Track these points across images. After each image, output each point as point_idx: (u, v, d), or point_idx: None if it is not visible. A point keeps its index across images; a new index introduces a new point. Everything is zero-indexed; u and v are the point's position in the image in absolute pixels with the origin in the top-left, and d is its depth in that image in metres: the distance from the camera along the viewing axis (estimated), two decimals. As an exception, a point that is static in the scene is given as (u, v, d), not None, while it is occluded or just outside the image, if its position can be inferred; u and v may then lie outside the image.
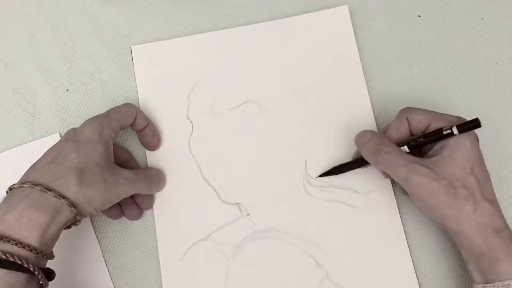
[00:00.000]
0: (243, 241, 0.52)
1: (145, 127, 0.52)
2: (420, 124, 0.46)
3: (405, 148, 0.47)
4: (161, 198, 0.53)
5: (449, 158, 0.44)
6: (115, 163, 0.48)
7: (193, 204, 0.53)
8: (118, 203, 0.50)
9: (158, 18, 0.59)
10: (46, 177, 0.43)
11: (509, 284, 0.40)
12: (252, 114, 0.55)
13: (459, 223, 0.43)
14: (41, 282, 0.41)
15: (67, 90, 0.57)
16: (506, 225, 0.43)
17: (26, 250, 0.39)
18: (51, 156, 0.45)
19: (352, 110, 0.55)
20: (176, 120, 0.55)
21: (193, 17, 0.58)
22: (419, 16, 0.58)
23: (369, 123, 0.54)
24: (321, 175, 0.53)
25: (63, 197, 0.42)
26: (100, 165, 0.45)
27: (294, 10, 0.58)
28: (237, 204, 0.53)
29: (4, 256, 0.38)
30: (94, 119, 0.48)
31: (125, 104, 0.51)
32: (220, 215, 0.52)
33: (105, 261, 0.51)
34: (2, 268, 0.38)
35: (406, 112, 0.47)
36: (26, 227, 0.40)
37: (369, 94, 0.55)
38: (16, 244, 0.39)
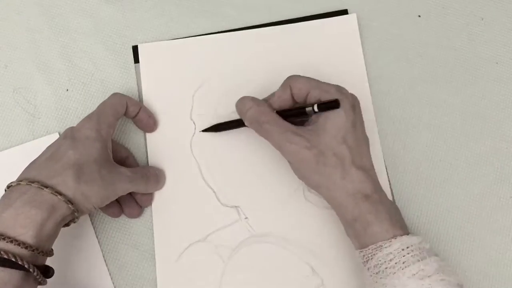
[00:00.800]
0: (240, 244, 0.52)
1: (138, 112, 0.52)
2: (300, 91, 0.47)
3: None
4: (160, 198, 0.53)
5: (323, 127, 0.45)
6: (114, 161, 0.48)
7: (192, 204, 0.53)
8: (118, 202, 0.50)
9: (158, 18, 0.59)
10: (43, 175, 0.43)
11: (381, 246, 0.41)
12: None
13: (329, 189, 0.44)
14: (38, 279, 0.41)
15: (67, 90, 0.57)
16: (377, 190, 0.44)
17: (21, 247, 0.39)
18: (49, 154, 0.45)
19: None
20: (179, 120, 0.55)
21: (193, 17, 0.58)
22: (419, 16, 0.58)
23: (369, 124, 0.54)
24: (203, 130, 0.53)
25: (60, 193, 0.42)
26: (98, 162, 0.45)
27: (294, 11, 0.58)
28: (236, 207, 0.53)
29: None
30: (90, 117, 0.48)
31: (113, 95, 0.51)
32: (218, 217, 0.52)
33: (105, 261, 0.51)
34: None
35: (290, 80, 0.48)
36: (22, 224, 0.40)
37: (370, 93, 0.55)
38: (11, 241, 0.39)
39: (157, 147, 0.54)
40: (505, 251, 0.52)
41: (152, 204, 0.53)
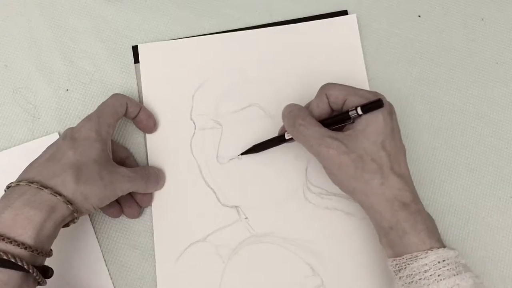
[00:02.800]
0: (240, 244, 0.52)
1: (138, 113, 0.52)
2: (337, 100, 0.46)
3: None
4: (160, 198, 0.53)
5: (361, 132, 0.44)
6: (114, 161, 0.48)
7: (192, 204, 0.53)
8: (117, 202, 0.50)
9: (158, 18, 0.59)
10: (43, 175, 0.43)
11: (417, 256, 0.41)
12: (255, 118, 0.55)
13: (367, 195, 0.43)
14: (38, 280, 0.41)
15: (67, 90, 0.57)
16: (415, 199, 0.43)
17: (21, 248, 0.39)
18: (49, 154, 0.45)
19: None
20: (179, 120, 0.55)
21: (193, 18, 0.58)
22: (419, 16, 0.58)
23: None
24: (242, 153, 0.53)
25: (59, 194, 0.42)
26: (97, 162, 0.45)
27: (294, 11, 0.58)
28: (236, 207, 0.53)
29: None
30: (89, 118, 0.48)
31: (113, 96, 0.51)
32: (218, 217, 0.52)
33: (105, 261, 0.51)
34: None
35: (325, 88, 0.47)
36: (21, 225, 0.40)
37: (369, 94, 0.56)
38: (11, 242, 0.39)
39: (157, 147, 0.54)
40: (505, 251, 0.52)
41: (152, 204, 0.53)
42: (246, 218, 0.52)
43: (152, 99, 0.56)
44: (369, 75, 0.56)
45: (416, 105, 0.56)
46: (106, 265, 0.51)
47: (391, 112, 0.45)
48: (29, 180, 0.42)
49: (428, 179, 0.54)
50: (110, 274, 0.51)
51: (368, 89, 0.55)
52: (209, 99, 0.55)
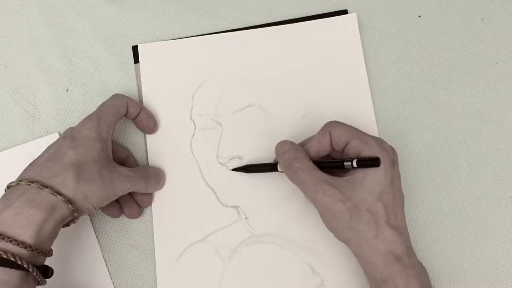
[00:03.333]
0: (240, 244, 0.52)
1: (138, 113, 0.52)
2: (340, 140, 0.45)
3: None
4: (160, 198, 0.53)
5: (360, 180, 0.43)
6: (114, 161, 0.48)
7: (192, 204, 0.53)
8: (118, 202, 0.50)
9: (158, 19, 0.59)
10: (43, 175, 0.43)
11: None
12: (255, 118, 0.55)
13: (361, 246, 0.43)
14: (38, 279, 0.41)
15: (67, 90, 0.57)
16: (408, 253, 0.42)
17: (21, 247, 0.39)
18: (49, 154, 0.45)
19: (353, 113, 0.54)
20: (179, 120, 0.55)
21: (193, 18, 0.58)
22: (419, 16, 0.58)
23: (370, 124, 0.54)
24: (234, 169, 0.53)
25: (60, 193, 0.42)
26: (98, 162, 0.45)
27: (294, 11, 0.58)
28: (236, 207, 0.53)
29: None
30: (90, 117, 0.48)
31: (114, 96, 0.51)
32: (218, 217, 0.52)
33: (105, 261, 0.51)
34: None
35: (330, 125, 0.46)
36: (21, 224, 0.40)
37: (370, 94, 0.55)
38: (11, 241, 0.39)
39: (157, 147, 0.54)
40: (505, 251, 0.52)
41: (152, 204, 0.53)
42: (246, 218, 0.52)
43: (152, 99, 0.56)
44: (369, 75, 0.56)
45: (416, 105, 0.56)
46: (106, 265, 0.51)
47: (393, 162, 0.44)
48: (29, 180, 0.42)
49: (428, 179, 0.54)
50: (110, 274, 0.51)
51: (368, 89, 0.55)
52: (209, 99, 0.55)
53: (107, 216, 0.52)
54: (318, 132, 0.47)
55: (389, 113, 0.55)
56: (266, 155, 0.54)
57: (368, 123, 0.54)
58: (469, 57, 0.57)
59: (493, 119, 0.55)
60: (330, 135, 0.46)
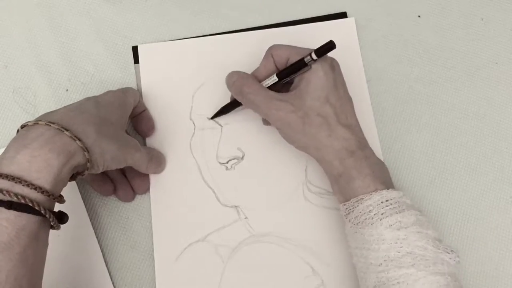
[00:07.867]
0: (239, 244, 0.52)
1: (140, 113, 0.54)
2: (281, 58, 0.48)
3: (274, 76, 0.48)
4: (159, 197, 0.53)
5: (305, 89, 0.46)
6: (133, 113, 0.51)
7: (192, 204, 0.53)
8: (112, 181, 0.51)
9: (158, 19, 0.59)
10: (64, 120, 0.42)
11: (362, 198, 0.43)
12: (254, 118, 0.55)
13: (318, 149, 0.46)
14: (52, 225, 0.40)
15: (67, 90, 0.57)
16: (361, 146, 0.45)
17: (38, 192, 0.38)
18: (72, 107, 0.45)
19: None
20: (179, 120, 0.55)
21: (193, 18, 0.59)
22: (419, 16, 0.58)
23: (370, 125, 0.54)
24: (212, 117, 0.55)
25: (80, 139, 0.41)
26: (115, 125, 0.46)
27: (294, 13, 0.58)
28: (236, 207, 0.53)
29: (15, 198, 0.37)
30: (114, 91, 0.50)
31: (128, 87, 0.53)
32: (218, 217, 0.52)
33: (105, 261, 0.51)
34: (14, 210, 0.37)
35: (271, 49, 0.49)
36: (37, 168, 0.38)
37: (369, 94, 0.55)
38: (28, 185, 0.38)
39: (157, 147, 0.54)
40: (505, 251, 0.52)
41: (152, 204, 0.53)
42: (246, 218, 0.52)
43: (152, 99, 0.56)
44: (369, 75, 0.56)
45: (416, 105, 0.56)
46: (106, 265, 0.51)
47: (333, 66, 0.47)
48: (49, 121, 0.41)
49: (428, 179, 0.54)
50: (110, 274, 0.51)
51: (366, 90, 0.55)
52: (209, 99, 0.55)
53: (107, 217, 0.52)
54: (263, 59, 0.50)
55: (388, 113, 0.55)
56: (266, 155, 0.54)
57: (367, 123, 0.54)
58: (469, 57, 0.57)
59: (493, 119, 0.55)
60: (273, 57, 0.49)
